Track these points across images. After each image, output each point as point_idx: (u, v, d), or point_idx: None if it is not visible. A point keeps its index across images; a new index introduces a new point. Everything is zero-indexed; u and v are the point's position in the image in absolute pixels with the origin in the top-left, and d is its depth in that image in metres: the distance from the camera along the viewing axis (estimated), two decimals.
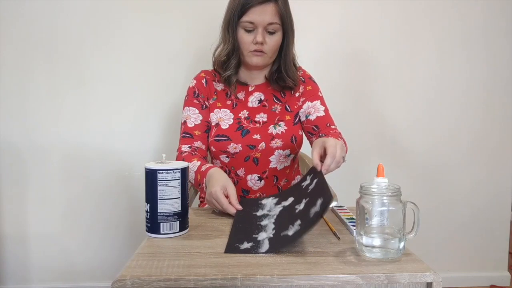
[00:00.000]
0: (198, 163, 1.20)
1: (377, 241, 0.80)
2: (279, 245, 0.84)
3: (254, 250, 0.83)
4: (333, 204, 1.27)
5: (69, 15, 1.89)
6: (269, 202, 1.11)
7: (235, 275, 0.72)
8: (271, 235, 0.89)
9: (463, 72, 2.07)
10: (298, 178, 1.44)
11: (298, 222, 0.88)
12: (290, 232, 0.86)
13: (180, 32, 1.95)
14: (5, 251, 1.98)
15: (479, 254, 2.17)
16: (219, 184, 1.07)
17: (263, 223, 0.97)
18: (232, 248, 0.84)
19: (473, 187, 2.13)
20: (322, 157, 1.03)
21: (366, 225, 0.81)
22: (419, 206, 0.80)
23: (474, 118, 2.10)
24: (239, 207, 1.05)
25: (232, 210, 1.04)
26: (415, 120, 2.08)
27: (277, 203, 1.07)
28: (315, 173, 1.02)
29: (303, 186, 1.04)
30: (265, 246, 0.84)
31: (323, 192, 0.90)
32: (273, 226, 0.94)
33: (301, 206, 0.95)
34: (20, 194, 1.96)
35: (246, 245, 0.86)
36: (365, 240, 0.80)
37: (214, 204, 1.08)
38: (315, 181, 1.00)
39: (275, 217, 0.99)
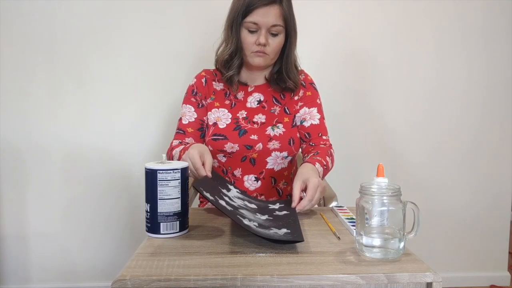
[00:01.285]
0: (183, 145, 1.22)
1: (377, 241, 0.80)
2: (232, 217, 0.87)
3: (214, 202, 0.89)
4: (333, 204, 1.28)
5: (69, 15, 1.89)
6: (234, 191, 1.12)
7: (235, 275, 0.72)
8: (227, 207, 0.93)
9: (463, 72, 2.07)
10: None
11: (255, 223, 0.90)
12: (246, 221, 0.89)
13: (181, 32, 1.95)
14: (5, 251, 1.98)
15: (479, 254, 2.17)
16: (199, 149, 1.08)
17: (224, 199, 1.00)
18: (198, 187, 0.91)
19: (473, 187, 2.13)
20: (304, 190, 1.07)
21: (366, 225, 0.81)
22: (419, 206, 0.80)
23: (474, 118, 2.10)
24: (209, 175, 1.05)
25: (203, 173, 1.04)
26: (415, 120, 2.08)
27: (240, 199, 1.09)
28: (287, 206, 1.07)
29: (269, 207, 1.09)
30: (223, 208, 0.89)
31: (294, 229, 0.90)
32: (231, 207, 0.96)
33: (262, 217, 0.98)
34: (20, 194, 1.96)
35: (209, 196, 0.91)
36: (365, 240, 0.80)
37: (189, 167, 1.07)
38: (284, 212, 1.04)
39: (234, 204, 1.00)
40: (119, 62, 1.93)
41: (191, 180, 1.18)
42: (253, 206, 1.07)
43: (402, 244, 0.80)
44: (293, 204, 1.04)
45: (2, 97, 1.90)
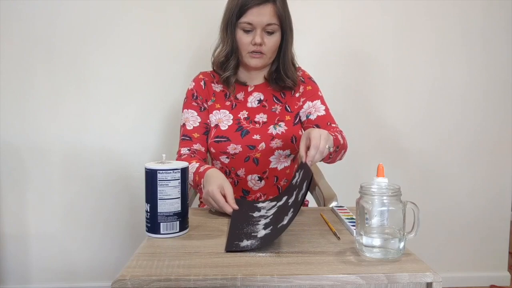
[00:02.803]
0: (197, 164, 1.20)
1: (377, 241, 0.80)
2: (275, 235, 0.85)
3: (254, 246, 0.83)
4: (333, 204, 1.28)
5: (68, 14, 1.89)
6: (265, 205, 1.11)
7: (235, 275, 0.72)
8: (269, 231, 0.89)
9: (463, 72, 2.07)
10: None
11: (291, 210, 0.90)
12: (285, 221, 0.87)
13: (181, 32, 1.95)
14: (5, 251, 1.98)
15: (479, 254, 2.17)
16: (216, 183, 1.07)
17: (261, 222, 0.97)
18: (232, 245, 0.85)
19: (473, 187, 2.13)
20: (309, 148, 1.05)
21: (366, 225, 0.81)
22: (419, 206, 0.80)
23: (474, 118, 2.10)
24: (236, 207, 1.05)
25: (229, 209, 1.04)
26: (415, 120, 2.08)
27: (273, 207, 1.08)
28: (301, 166, 1.05)
29: (294, 183, 1.06)
30: (263, 241, 0.85)
31: (306, 175, 0.92)
32: (270, 224, 0.94)
33: (292, 198, 0.97)
34: (20, 194, 1.96)
35: (245, 242, 0.86)
36: (365, 240, 0.80)
37: (211, 203, 1.08)
38: (301, 172, 1.02)
39: (271, 217, 1.00)
40: (119, 62, 1.93)
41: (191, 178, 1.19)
42: (284, 198, 1.06)
43: (402, 244, 0.80)
44: (303, 159, 1.02)
45: (2, 97, 1.90)
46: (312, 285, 0.72)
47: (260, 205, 1.12)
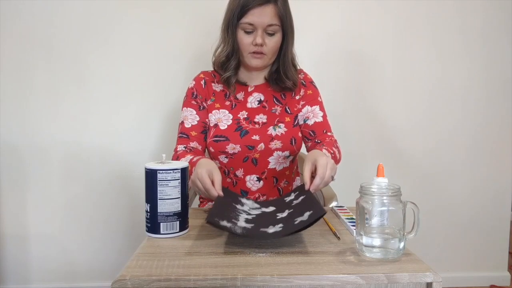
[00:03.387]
0: (191, 156, 1.21)
1: (377, 241, 0.80)
2: (255, 235, 0.85)
3: (232, 229, 0.84)
4: (333, 204, 1.28)
5: (68, 14, 1.89)
6: (249, 203, 1.10)
7: (235, 275, 0.72)
8: (249, 227, 0.89)
9: (463, 72, 2.07)
10: (298, 179, 1.44)
11: (280, 225, 0.88)
12: (270, 230, 0.86)
13: (180, 32, 1.95)
14: (5, 251, 1.98)
15: (479, 254, 2.17)
16: (206, 167, 1.06)
17: (242, 215, 0.97)
18: (213, 219, 0.85)
19: (473, 187, 2.13)
20: (313, 173, 1.04)
21: (366, 225, 0.81)
22: (419, 206, 0.80)
23: (474, 118, 2.10)
24: (221, 193, 1.03)
25: (214, 193, 1.02)
26: (415, 120, 2.08)
27: (257, 208, 1.07)
28: (302, 190, 1.04)
29: (286, 201, 1.06)
30: (242, 231, 0.85)
31: (313, 206, 0.90)
32: (252, 222, 0.93)
33: (283, 215, 0.96)
34: (20, 194, 1.96)
35: (226, 223, 0.86)
36: (365, 240, 0.80)
37: (198, 186, 1.05)
38: (301, 197, 1.01)
39: (254, 216, 0.99)
40: (119, 62, 1.93)
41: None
42: (271, 208, 1.05)
43: (402, 244, 0.80)
44: (307, 186, 1.02)
45: (2, 97, 1.90)
46: (312, 285, 0.72)
47: (244, 200, 1.11)
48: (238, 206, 1.04)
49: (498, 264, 2.18)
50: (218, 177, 1.05)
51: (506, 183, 2.14)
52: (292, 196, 1.06)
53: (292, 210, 0.96)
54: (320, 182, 1.01)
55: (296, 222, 0.86)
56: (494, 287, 2.16)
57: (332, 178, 1.05)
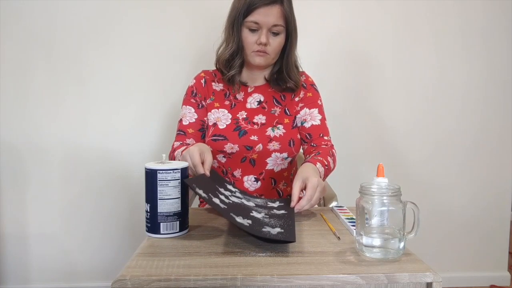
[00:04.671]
0: (185, 146, 1.22)
1: (377, 241, 0.80)
2: (223, 215, 0.87)
3: (207, 200, 0.88)
4: (333, 204, 1.28)
5: (69, 15, 1.89)
6: (234, 190, 1.11)
7: (235, 275, 0.72)
8: (220, 205, 0.91)
9: (463, 72, 2.07)
10: None
11: (249, 221, 0.89)
12: (239, 220, 0.88)
13: (181, 32, 1.95)
14: (5, 251, 1.98)
15: (479, 254, 2.17)
16: (200, 147, 1.07)
17: (220, 197, 0.98)
18: (191, 184, 0.89)
19: (473, 187, 2.13)
20: (303, 189, 1.06)
21: (366, 225, 0.81)
22: (419, 206, 0.80)
23: (474, 118, 2.10)
24: (208, 173, 1.04)
25: (201, 171, 1.03)
26: (415, 120, 2.08)
27: (238, 198, 1.08)
28: (286, 204, 1.06)
29: (268, 205, 1.07)
30: (216, 206, 0.88)
31: (288, 228, 0.90)
32: (225, 205, 0.95)
33: (258, 215, 0.97)
34: (20, 194, 1.96)
35: (202, 193, 0.89)
36: (365, 240, 0.80)
37: (187, 161, 1.05)
38: (282, 211, 1.03)
39: (230, 202, 1.00)
40: (119, 61, 1.93)
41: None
42: (251, 204, 1.06)
43: (402, 244, 0.80)
44: (292, 204, 1.03)
45: (2, 97, 1.90)
46: (312, 285, 0.72)
47: (229, 187, 1.12)
48: (221, 190, 1.05)
49: (498, 264, 2.18)
50: (209, 158, 1.06)
51: (506, 183, 2.14)
52: (275, 205, 1.08)
53: (267, 216, 0.98)
54: (306, 203, 1.03)
55: (263, 229, 0.87)
56: (494, 287, 2.16)
57: (319, 202, 1.06)
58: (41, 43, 1.90)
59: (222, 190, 1.06)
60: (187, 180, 0.92)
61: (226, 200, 0.99)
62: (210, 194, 0.93)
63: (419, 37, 2.04)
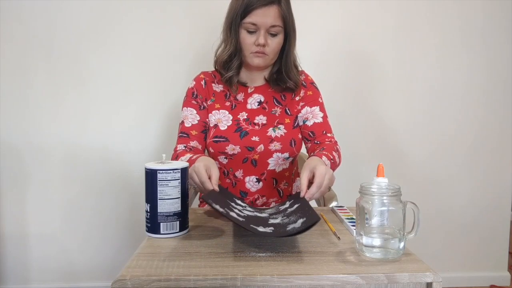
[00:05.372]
0: (190, 155, 1.20)
1: (377, 241, 0.80)
2: (245, 227, 0.85)
3: (224, 213, 0.86)
4: (333, 204, 1.27)
5: (68, 15, 1.89)
6: (244, 205, 1.09)
7: (235, 275, 0.72)
8: (240, 219, 0.89)
9: (463, 72, 2.07)
10: (298, 180, 1.44)
11: (271, 228, 0.88)
12: (260, 229, 0.86)
13: (181, 32, 1.95)
14: (5, 251, 1.98)
15: (479, 254, 2.17)
16: (205, 162, 1.06)
17: (235, 211, 0.97)
18: (207, 200, 0.88)
19: (473, 187, 2.13)
20: (311, 180, 1.03)
21: (366, 225, 0.81)
22: (419, 206, 0.80)
23: (474, 118, 2.10)
24: (216, 188, 1.03)
25: (209, 186, 1.02)
26: (415, 120, 2.08)
27: (251, 211, 1.06)
28: (297, 198, 1.04)
29: (281, 209, 1.06)
30: (235, 220, 0.86)
31: (307, 214, 0.90)
32: (243, 218, 0.93)
33: (276, 220, 0.95)
34: (20, 194, 1.96)
35: (219, 208, 0.87)
36: (365, 240, 0.80)
37: (194, 179, 1.05)
38: (296, 205, 1.01)
39: (245, 215, 0.98)
40: (119, 61, 1.93)
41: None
42: (264, 215, 1.04)
43: (402, 244, 0.80)
44: (302, 194, 1.01)
45: (2, 97, 1.90)
46: (312, 285, 0.72)
47: (239, 202, 1.11)
48: (233, 204, 1.04)
49: (498, 264, 2.18)
50: (215, 172, 1.05)
51: (506, 183, 2.14)
52: (287, 205, 1.07)
53: (285, 217, 0.96)
54: (316, 191, 1.01)
55: (288, 228, 0.86)
56: (494, 287, 2.16)
57: (329, 189, 1.04)
58: (41, 43, 1.90)
59: (233, 204, 1.04)
60: (203, 197, 0.91)
61: (242, 214, 0.97)
62: (226, 209, 0.91)
63: (419, 37, 2.04)
